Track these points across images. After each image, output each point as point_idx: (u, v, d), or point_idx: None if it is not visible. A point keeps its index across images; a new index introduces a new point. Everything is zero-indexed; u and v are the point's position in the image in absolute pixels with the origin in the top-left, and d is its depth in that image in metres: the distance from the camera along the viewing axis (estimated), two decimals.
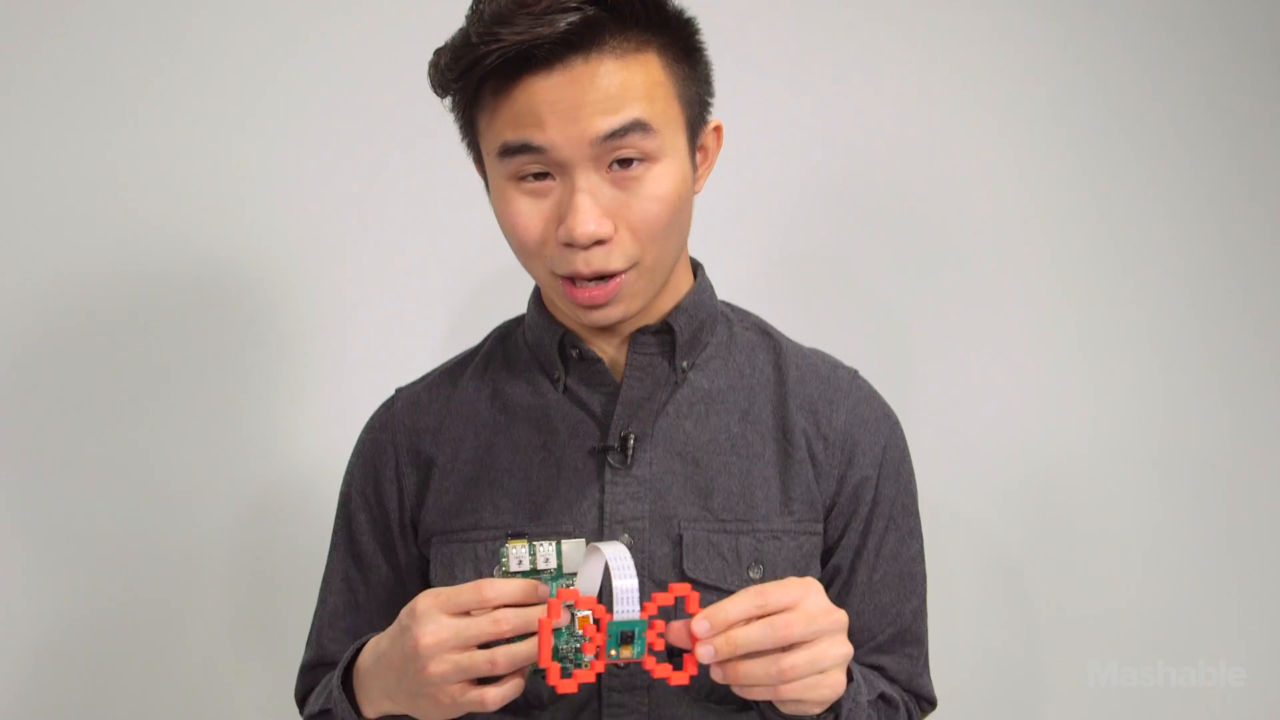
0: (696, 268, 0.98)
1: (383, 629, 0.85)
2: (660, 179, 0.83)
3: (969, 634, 1.62)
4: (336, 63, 1.46)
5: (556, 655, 0.75)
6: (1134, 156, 1.70)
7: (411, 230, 1.47)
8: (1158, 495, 1.69)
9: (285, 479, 1.43)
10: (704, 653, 0.73)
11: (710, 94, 0.90)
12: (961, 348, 1.63)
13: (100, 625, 1.38)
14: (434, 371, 1.03)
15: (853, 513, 0.93)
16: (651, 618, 0.73)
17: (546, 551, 0.78)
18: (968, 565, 1.63)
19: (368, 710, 0.83)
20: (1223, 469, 1.71)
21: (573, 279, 0.85)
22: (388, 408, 1.00)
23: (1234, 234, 1.72)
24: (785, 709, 0.78)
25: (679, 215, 0.86)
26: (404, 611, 0.78)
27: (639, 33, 0.82)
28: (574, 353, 0.93)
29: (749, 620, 0.74)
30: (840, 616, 0.76)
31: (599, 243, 0.82)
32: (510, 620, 0.75)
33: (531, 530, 0.89)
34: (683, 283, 0.95)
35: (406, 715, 0.82)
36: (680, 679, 0.75)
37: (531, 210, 0.83)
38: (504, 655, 0.75)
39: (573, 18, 0.78)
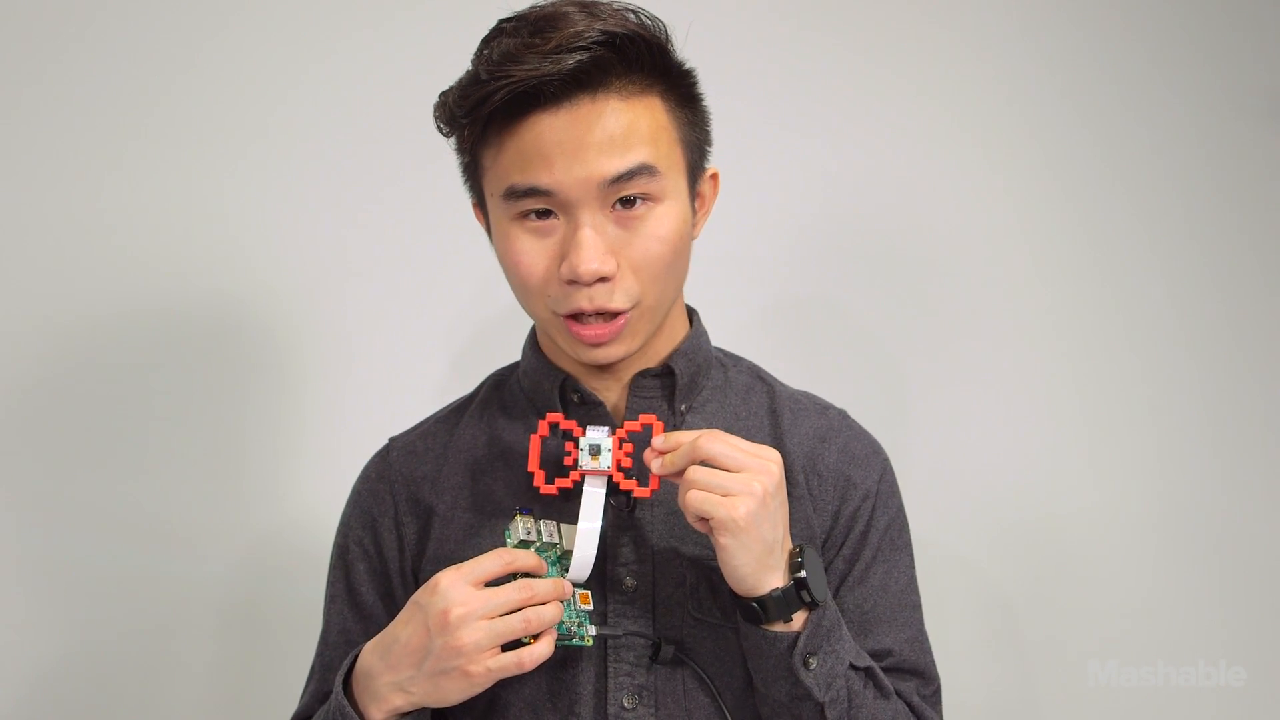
0: (692, 314, 0.99)
1: None
2: (662, 219, 0.85)
3: (969, 633, 1.63)
4: (336, 105, 1.46)
5: (561, 627, 0.83)
6: (1131, 201, 1.72)
7: (411, 275, 1.48)
8: (1157, 496, 1.70)
9: (283, 524, 1.43)
10: (655, 463, 0.83)
11: (708, 142, 0.92)
12: (956, 390, 1.65)
13: (94, 667, 1.37)
14: (428, 419, 1.02)
15: (842, 543, 0.95)
16: (621, 441, 0.85)
17: (550, 528, 0.85)
18: (969, 566, 1.63)
19: (374, 712, 0.83)
20: (1221, 470, 1.72)
21: (575, 317, 0.86)
22: (383, 457, 1.00)
23: (1229, 279, 1.74)
24: (722, 552, 0.81)
25: (679, 256, 0.88)
26: (420, 592, 0.81)
27: (643, 76, 0.84)
28: (575, 397, 0.93)
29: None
30: (766, 460, 0.82)
31: (602, 280, 0.84)
32: (536, 587, 0.80)
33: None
34: (679, 328, 0.96)
35: (415, 716, 0.84)
36: (643, 492, 0.85)
37: (535, 249, 0.85)
38: (535, 615, 0.79)
39: (581, 57, 0.80)
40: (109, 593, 1.37)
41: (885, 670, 0.93)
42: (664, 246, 0.85)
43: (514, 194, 0.84)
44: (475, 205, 0.93)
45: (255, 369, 1.43)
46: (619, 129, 0.82)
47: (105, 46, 1.40)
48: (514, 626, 0.78)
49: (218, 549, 1.41)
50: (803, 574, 0.83)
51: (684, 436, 0.83)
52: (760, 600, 0.82)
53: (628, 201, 0.84)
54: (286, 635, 1.38)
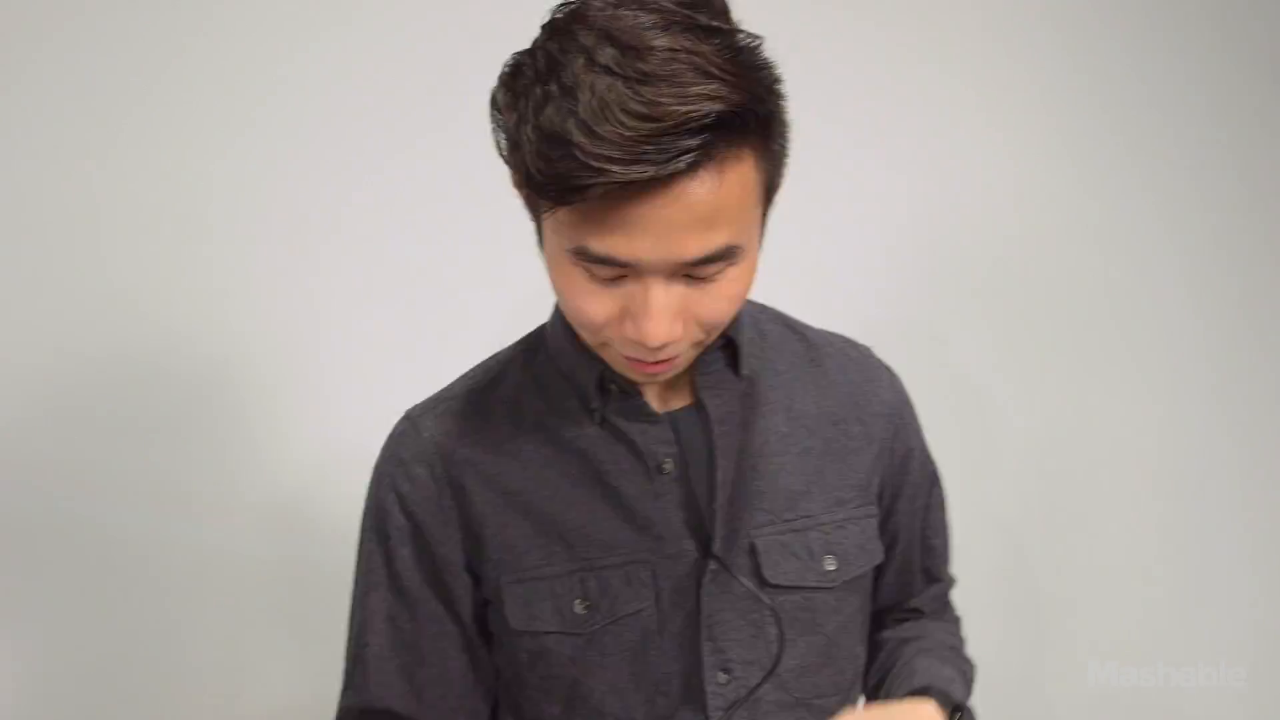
0: None
1: (434, 665, 0.89)
2: (735, 281, 0.79)
3: (969, 633, 1.62)
4: (328, 98, 1.44)
5: None
6: (1138, 168, 1.72)
7: (414, 237, 1.46)
8: (1158, 498, 1.69)
9: (294, 491, 1.42)
10: None
11: (785, 160, 0.84)
12: (956, 390, 1.65)
13: (106, 633, 1.37)
14: (452, 394, 0.95)
15: (902, 482, 0.97)
16: None
17: None
18: (969, 567, 1.63)
19: None
20: (1223, 474, 1.71)
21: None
22: (415, 435, 0.92)
23: (1244, 286, 1.76)
24: None
25: (744, 300, 0.82)
26: None
27: (742, 138, 0.75)
28: (612, 388, 0.88)
29: None
30: None
31: (667, 343, 0.78)
32: None
33: (608, 560, 0.89)
34: None
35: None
36: None
37: (598, 296, 0.78)
38: None
39: (693, 157, 0.70)
40: (121, 560, 1.37)
41: (939, 597, 1.04)
42: (732, 305, 0.80)
43: (584, 256, 0.76)
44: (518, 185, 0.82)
45: (264, 338, 1.42)
46: (707, 209, 0.74)
47: (99, 48, 1.39)
48: None
49: (231, 516, 1.40)
50: None
51: None
52: None
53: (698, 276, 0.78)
54: (300, 595, 1.39)
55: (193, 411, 1.41)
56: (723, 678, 0.87)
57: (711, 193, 0.74)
